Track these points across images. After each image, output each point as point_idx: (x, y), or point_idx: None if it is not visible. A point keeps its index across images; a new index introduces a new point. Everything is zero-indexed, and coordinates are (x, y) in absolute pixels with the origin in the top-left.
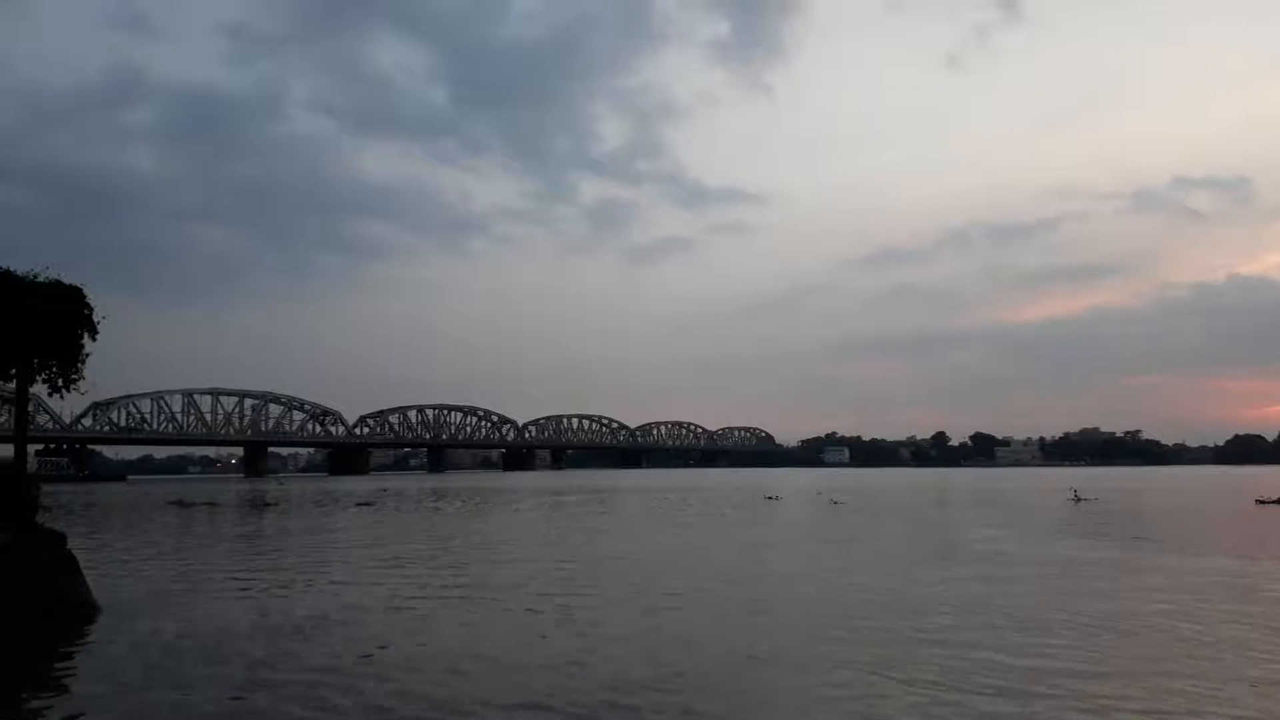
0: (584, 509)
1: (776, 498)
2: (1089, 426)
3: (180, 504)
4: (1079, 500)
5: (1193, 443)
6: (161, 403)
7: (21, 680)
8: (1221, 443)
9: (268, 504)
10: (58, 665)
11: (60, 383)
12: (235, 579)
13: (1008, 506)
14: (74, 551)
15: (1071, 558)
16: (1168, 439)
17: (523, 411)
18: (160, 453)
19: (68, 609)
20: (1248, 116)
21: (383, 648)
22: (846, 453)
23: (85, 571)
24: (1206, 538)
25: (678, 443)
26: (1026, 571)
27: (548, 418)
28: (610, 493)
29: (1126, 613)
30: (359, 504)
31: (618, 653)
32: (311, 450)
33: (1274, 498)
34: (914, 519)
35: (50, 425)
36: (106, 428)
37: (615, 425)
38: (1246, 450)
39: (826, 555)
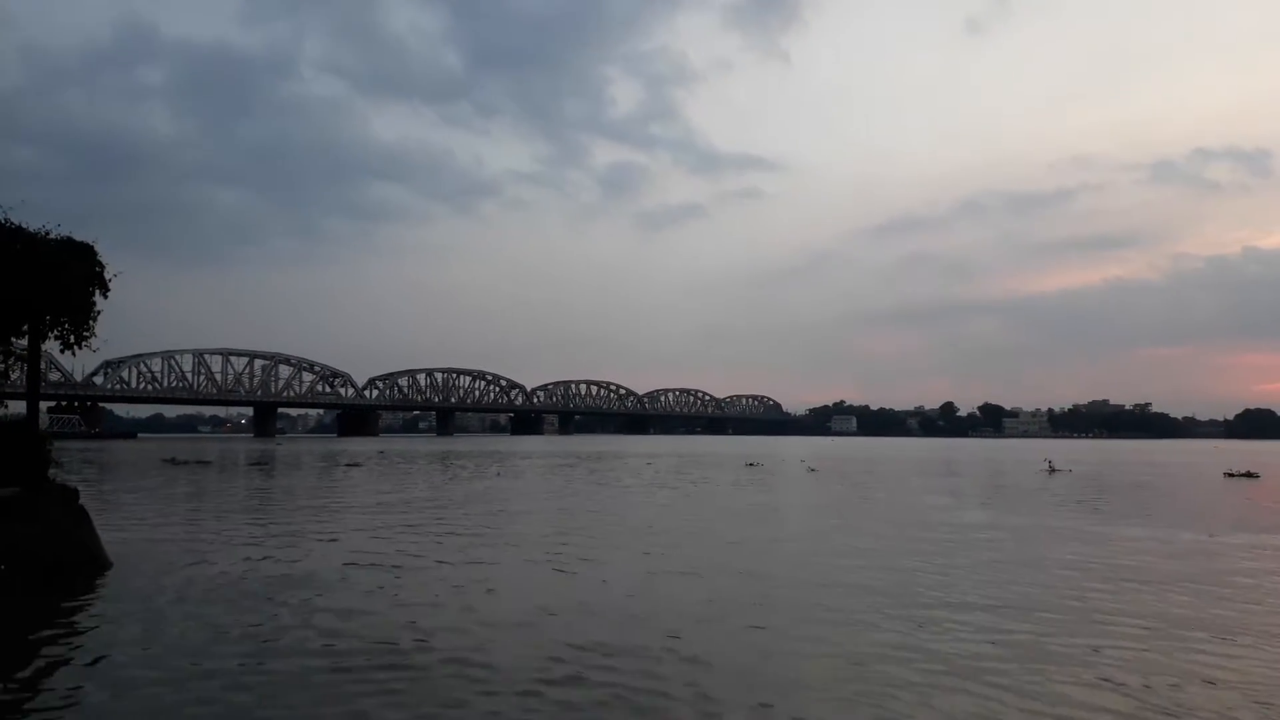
0: (536, 474)
1: (758, 464)
2: (1099, 399)
3: (173, 462)
4: (1053, 472)
5: (1203, 416)
6: (172, 362)
7: (41, 631)
8: (1231, 416)
9: (257, 464)
10: (75, 616)
11: (72, 339)
12: (229, 535)
13: (980, 477)
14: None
15: (995, 523)
16: (1178, 412)
17: (531, 376)
18: (171, 412)
19: (80, 563)
20: (1270, 88)
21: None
22: (854, 422)
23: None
24: (1149, 508)
25: (685, 410)
26: (906, 535)
27: (556, 383)
28: (596, 458)
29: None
30: (348, 465)
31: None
32: (321, 411)
33: (1241, 471)
34: (873, 486)
35: (62, 383)
36: (117, 386)
37: (623, 391)
38: (1256, 425)
39: (727, 514)
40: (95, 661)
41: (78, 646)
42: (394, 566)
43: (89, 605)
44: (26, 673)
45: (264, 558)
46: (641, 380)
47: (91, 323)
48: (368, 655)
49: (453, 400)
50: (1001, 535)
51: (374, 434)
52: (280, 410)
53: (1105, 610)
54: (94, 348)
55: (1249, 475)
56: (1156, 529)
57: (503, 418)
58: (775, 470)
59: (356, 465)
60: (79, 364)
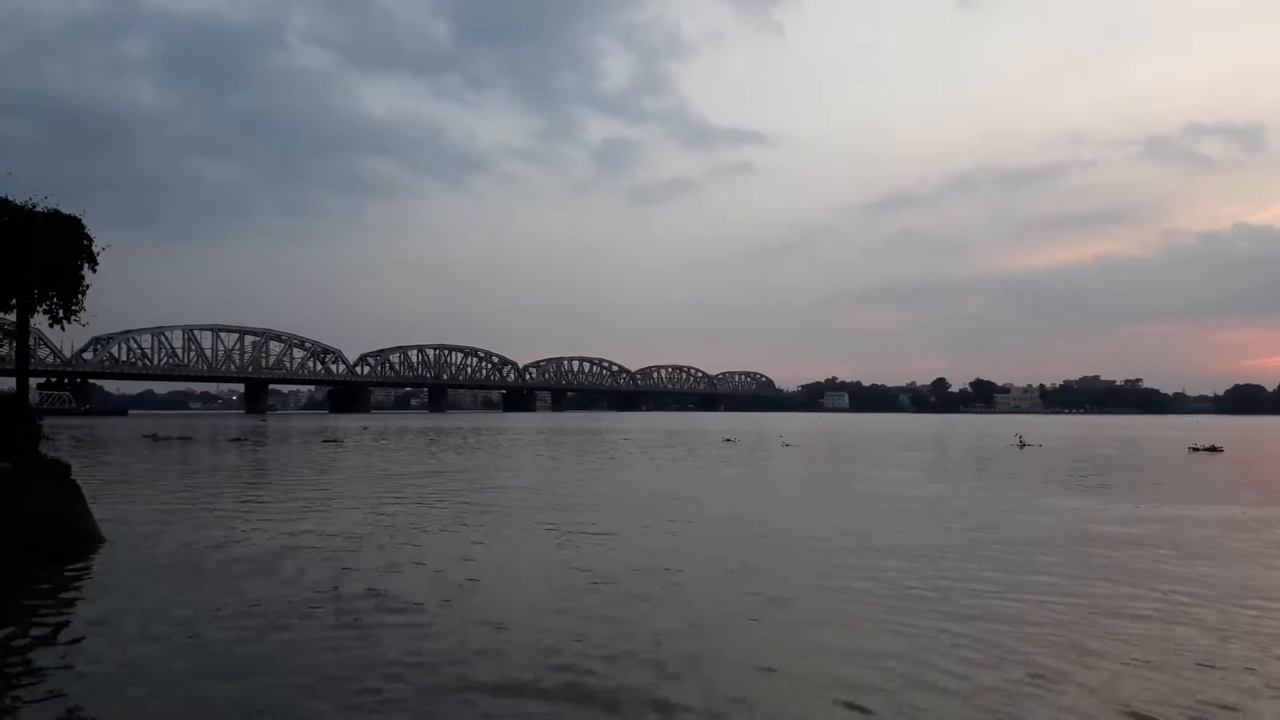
0: (500, 449)
1: (734, 440)
2: (1090, 375)
3: (154, 438)
4: (1024, 446)
5: (1192, 392)
6: (162, 338)
7: (37, 605)
8: (1221, 392)
9: (239, 440)
10: (70, 591)
11: (61, 314)
12: (220, 510)
13: (950, 451)
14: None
15: (940, 495)
16: (1168, 388)
17: (524, 353)
18: (161, 388)
19: (73, 538)
20: (1265, 63)
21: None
22: (846, 398)
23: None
24: (1099, 482)
25: (678, 387)
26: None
27: (548, 359)
28: (572, 434)
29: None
30: (325, 441)
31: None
32: (313, 388)
33: (1205, 446)
34: (839, 460)
35: (51, 359)
36: (107, 362)
37: (616, 368)
38: (1245, 400)
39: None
40: (91, 636)
41: (74, 621)
42: (373, 538)
43: (84, 580)
44: (21, 647)
45: (253, 532)
46: (634, 357)
47: (80, 297)
48: (360, 625)
49: (445, 377)
50: (941, 505)
51: (366, 410)
52: (272, 387)
53: (1011, 569)
54: (83, 322)
55: (1213, 450)
56: (1093, 500)
57: (495, 395)
58: (750, 445)
59: (335, 441)
60: (68, 340)
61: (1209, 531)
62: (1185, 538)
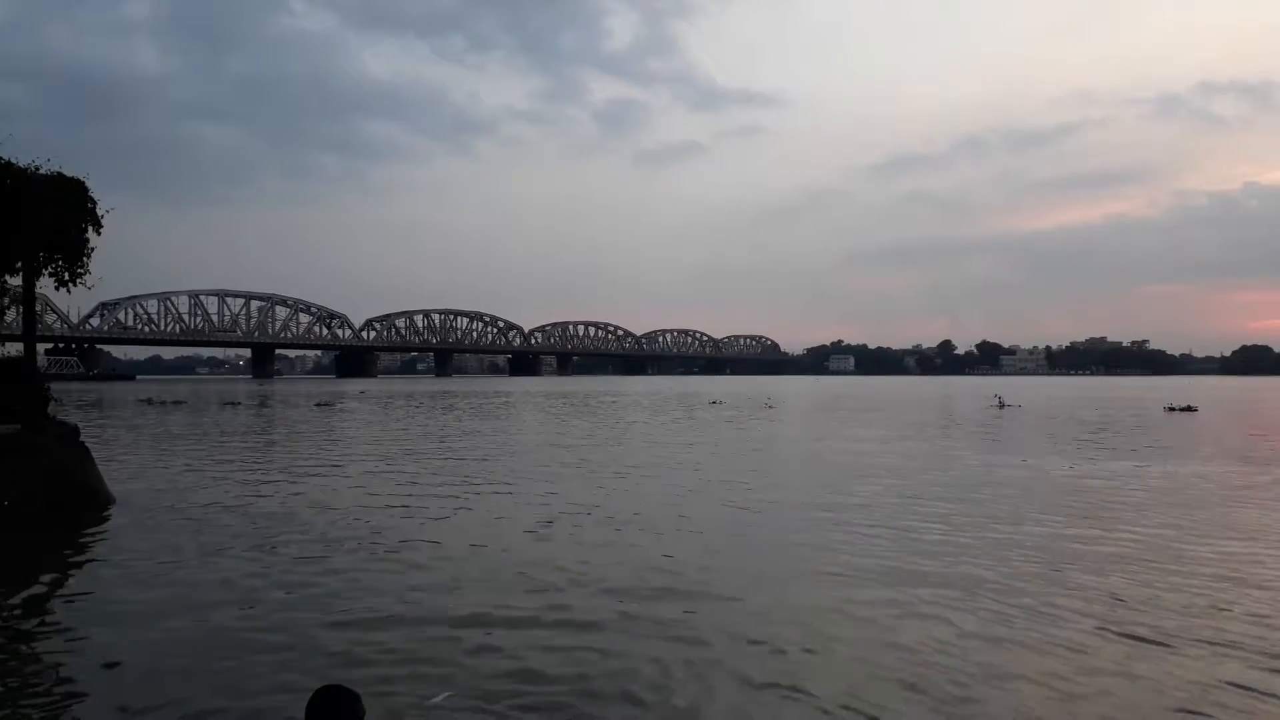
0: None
1: (720, 402)
2: (1097, 336)
3: (149, 402)
4: (1003, 407)
5: (1199, 353)
6: (168, 303)
7: (50, 564)
8: (1228, 353)
9: (231, 404)
10: (83, 550)
11: (66, 276)
12: (226, 472)
13: (927, 411)
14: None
15: (887, 450)
16: (1176, 349)
17: (529, 317)
18: (169, 353)
19: (83, 498)
20: (1278, 18)
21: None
22: (851, 361)
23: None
24: (1051, 441)
25: (683, 350)
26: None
27: (554, 324)
28: (571, 397)
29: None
30: (318, 405)
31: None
32: (319, 353)
33: (1181, 405)
34: (809, 419)
35: (58, 325)
36: (114, 328)
37: (621, 332)
38: (1252, 361)
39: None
40: (102, 594)
41: (87, 579)
42: (359, 503)
43: (95, 540)
44: (35, 606)
45: (251, 489)
46: (639, 320)
47: (86, 259)
48: (367, 587)
49: (450, 341)
50: (883, 459)
51: (372, 375)
52: (279, 352)
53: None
54: (89, 285)
55: (1188, 409)
56: (1029, 458)
57: (501, 359)
58: (734, 407)
59: (327, 405)
60: (75, 306)
61: (1141, 483)
62: (1112, 487)
